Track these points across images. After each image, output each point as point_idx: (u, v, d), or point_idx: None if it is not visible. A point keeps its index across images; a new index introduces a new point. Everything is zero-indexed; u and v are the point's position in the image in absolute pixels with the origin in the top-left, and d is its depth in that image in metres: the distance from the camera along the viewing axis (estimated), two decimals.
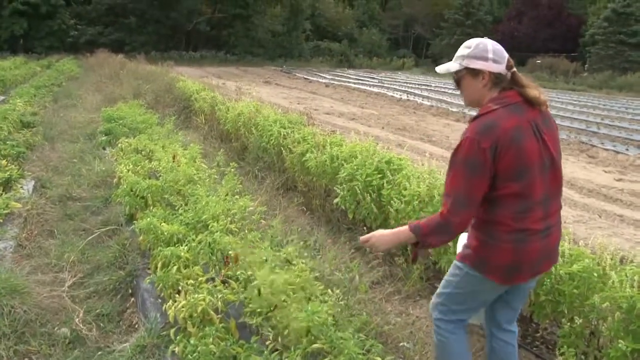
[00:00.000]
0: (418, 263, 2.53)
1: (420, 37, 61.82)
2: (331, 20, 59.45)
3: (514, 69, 2.35)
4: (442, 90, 26.40)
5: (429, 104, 19.67)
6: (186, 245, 3.42)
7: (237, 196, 4.17)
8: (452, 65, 2.41)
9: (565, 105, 22.03)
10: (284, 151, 6.64)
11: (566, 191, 8.20)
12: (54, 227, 5.54)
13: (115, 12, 45.19)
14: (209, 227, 3.57)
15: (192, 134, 9.52)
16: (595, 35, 43.70)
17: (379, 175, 4.89)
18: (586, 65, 43.92)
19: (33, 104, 11.76)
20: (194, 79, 16.69)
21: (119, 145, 6.58)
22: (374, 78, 34.53)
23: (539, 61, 45.53)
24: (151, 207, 4.45)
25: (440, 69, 2.51)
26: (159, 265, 3.38)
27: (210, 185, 4.52)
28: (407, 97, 22.04)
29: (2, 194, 5.36)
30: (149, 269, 4.15)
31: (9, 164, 6.24)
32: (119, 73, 18.07)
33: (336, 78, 33.28)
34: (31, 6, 40.80)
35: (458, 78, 2.43)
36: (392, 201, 4.52)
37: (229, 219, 3.70)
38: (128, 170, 5.38)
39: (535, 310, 3.50)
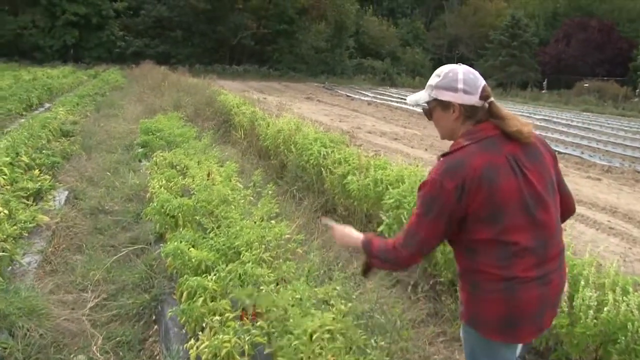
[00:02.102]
0: (369, 277, 2.39)
1: (463, 57, 60.85)
2: (375, 38, 59.25)
3: (491, 99, 2.10)
4: None
5: None
6: (215, 274, 3.11)
7: (272, 221, 3.86)
8: (421, 96, 2.21)
9: (616, 131, 21.15)
10: (324, 172, 6.32)
11: (624, 225, 7.64)
12: (83, 242, 5.35)
13: (162, 24, 46.05)
14: (241, 255, 3.26)
15: (230, 149, 9.31)
16: None
17: None
18: (637, 90, 42.38)
19: (75, 113, 11.79)
20: (235, 93, 16.62)
21: (154, 159, 6.37)
22: None
23: (586, 85, 44.30)
24: (182, 228, 4.18)
25: (410, 99, 2.28)
26: (184, 295, 3.07)
27: (244, 207, 4.22)
28: None
29: (32, 205, 5.19)
30: (174, 294, 3.88)
31: (42, 174, 6.09)
32: (160, 85, 18.12)
33: (378, 96, 32.96)
34: (83, 17, 42.02)
35: (429, 109, 2.21)
36: None
37: (263, 246, 3.39)
38: (160, 186, 5.14)
39: None
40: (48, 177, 6.40)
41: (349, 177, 5.62)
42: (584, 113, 32.24)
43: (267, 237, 3.41)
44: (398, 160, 5.70)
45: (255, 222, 3.76)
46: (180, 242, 3.63)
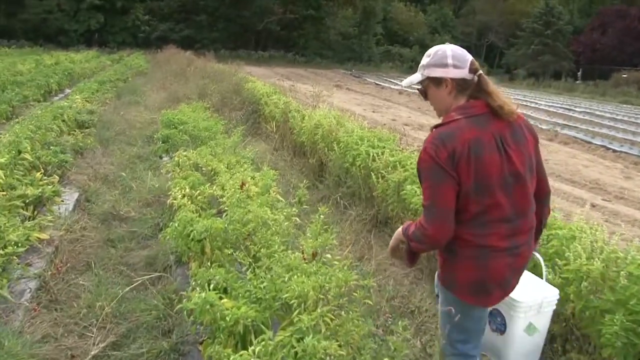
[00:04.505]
0: (414, 266, 2.61)
1: (493, 45, 59.21)
2: (403, 24, 57.80)
3: (480, 72, 2.23)
4: (523, 103, 24.50)
5: None
6: (259, 344, 2.20)
7: (328, 255, 2.94)
8: (414, 77, 2.34)
9: None
10: (373, 176, 5.38)
11: None
12: (92, 258, 4.50)
13: (187, 8, 45.29)
14: (294, 312, 2.36)
15: (260, 144, 8.40)
16: None
17: None
18: None
19: (93, 101, 10.95)
20: (262, 80, 15.69)
21: (176, 158, 5.47)
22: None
23: (625, 75, 42.47)
24: (209, 257, 3.29)
25: (405, 82, 2.43)
26: None
27: (289, 232, 3.31)
28: None
29: (32, 217, 4.33)
30: (200, 343, 3.01)
31: (47, 175, 5.25)
32: (185, 70, 17.26)
33: None
34: (108, 1, 41.47)
35: (423, 89, 2.34)
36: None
37: (322, 298, 2.48)
38: (183, 196, 4.24)
39: None
40: (57, 176, 5.57)
41: (408, 187, 4.67)
42: (624, 105, 30.67)
43: (327, 285, 2.49)
44: None
45: (305, 259, 2.84)
46: (209, 283, 2.73)
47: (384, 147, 5.76)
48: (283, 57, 46.49)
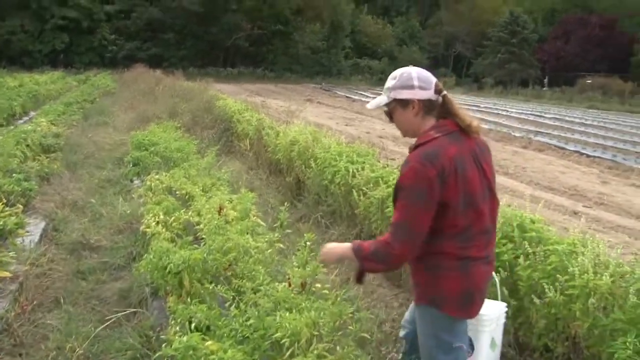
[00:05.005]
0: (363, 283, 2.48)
1: (461, 55, 59.89)
2: (371, 37, 58.13)
3: (445, 93, 2.29)
4: (494, 111, 24.71)
5: (486, 127, 17.30)
6: None
7: (318, 284, 2.73)
8: (381, 99, 2.36)
9: (636, 129, 20.07)
10: (355, 194, 5.18)
11: None
12: (61, 292, 4.21)
13: (154, 27, 44.87)
14: (286, 352, 2.14)
15: (235, 163, 8.16)
16: None
17: (510, 246, 3.42)
18: None
19: (59, 123, 10.58)
20: (233, 97, 15.46)
21: (148, 182, 5.22)
22: None
23: (589, 81, 43.41)
24: (188, 290, 3.04)
25: (371, 104, 2.44)
26: None
27: (273, 259, 3.09)
28: None
29: None
30: None
31: (9, 205, 4.92)
32: (154, 89, 16.93)
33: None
34: (73, 21, 40.83)
35: (390, 111, 2.36)
36: (543, 289, 3.02)
37: (316, 334, 2.27)
38: (157, 223, 3.99)
39: None
40: (20, 206, 5.26)
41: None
42: (590, 110, 31.22)
43: (321, 320, 2.28)
44: None
45: (292, 289, 2.63)
46: (190, 322, 2.50)
47: (364, 162, 5.58)
48: (252, 73, 46.28)
